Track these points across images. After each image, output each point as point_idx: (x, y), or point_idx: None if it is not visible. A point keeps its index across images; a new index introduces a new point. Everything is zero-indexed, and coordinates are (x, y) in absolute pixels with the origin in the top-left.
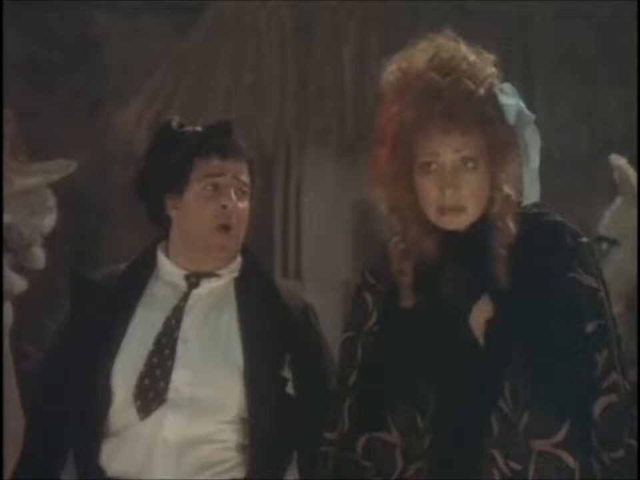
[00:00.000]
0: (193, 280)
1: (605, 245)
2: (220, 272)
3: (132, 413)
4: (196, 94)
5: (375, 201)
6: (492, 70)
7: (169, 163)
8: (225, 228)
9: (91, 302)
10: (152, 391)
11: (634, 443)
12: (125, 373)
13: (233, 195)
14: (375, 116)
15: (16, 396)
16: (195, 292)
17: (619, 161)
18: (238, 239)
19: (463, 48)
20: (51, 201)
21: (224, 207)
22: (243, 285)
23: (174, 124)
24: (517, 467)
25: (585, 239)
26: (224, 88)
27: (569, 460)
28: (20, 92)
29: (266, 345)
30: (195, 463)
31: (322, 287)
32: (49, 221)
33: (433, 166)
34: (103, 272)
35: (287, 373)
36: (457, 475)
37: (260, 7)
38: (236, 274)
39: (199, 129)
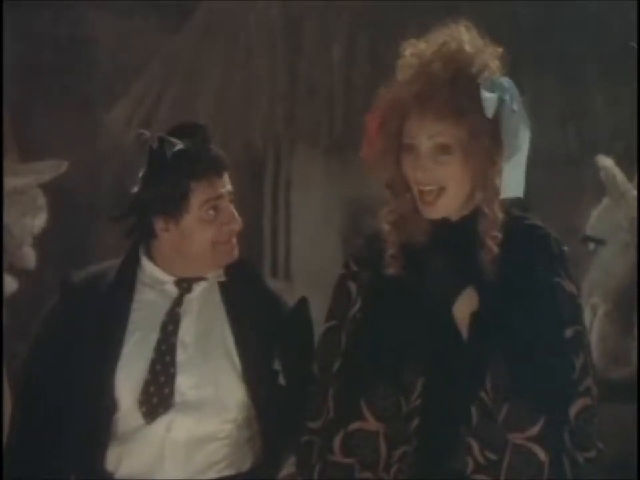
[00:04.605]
0: (185, 285)
1: (592, 245)
2: (207, 275)
3: (138, 418)
4: (186, 93)
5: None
6: (488, 62)
7: (164, 189)
8: (230, 243)
9: (80, 308)
10: (157, 397)
11: (601, 446)
12: (128, 381)
13: (235, 213)
14: (364, 115)
15: (7, 395)
16: (187, 296)
17: (606, 162)
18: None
19: (468, 38)
20: (41, 200)
21: (232, 229)
22: (227, 284)
23: (163, 145)
24: (493, 456)
25: (565, 248)
26: (214, 87)
27: (541, 454)
28: (10, 91)
29: (258, 341)
30: (203, 461)
31: (312, 286)
32: (39, 221)
33: (413, 148)
34: (87, 275)
35: (277, 365)
36: (435, 461)
37: (250, 7)
38: (221, 275)
39: (183, 147)
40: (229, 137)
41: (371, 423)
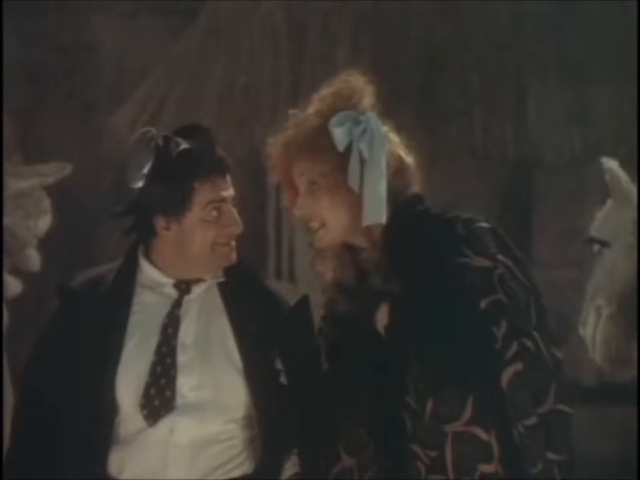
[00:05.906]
0: (184, 287)
1: (596, 247)
2: (206, 276)
3: (140, 421)
4: (190, 96)
5: None
6: (361, 101)
7: (168, 187)
8: (229, 246)
9: (80, 312)
10: (158, 399)
11: (565, 408)
12: (129, 384)
13: (237, 216)
14: None
15: (10, 396)
16: (186, 298)
17: (610, 164)
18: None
19: (353, 84)
20: (46, 203)
21: (233, 232)
22: (226, 285)
23: (167, 144)
24: (433, 453)
25: (481, 224)
26: (217, 90)
27: (482, 434)
28: (14, 94)
29: (259, 340)
30: (207, 463)
31: (315, 288)
32: (43, 223)
33: (297, 189)
34: (86, 279)
35: (278, 364)
36: (394, 477)
37: (253, 10)
38: (220, 276)
39: (188, 146)
40: (233, 139)
41: (347, 461)
